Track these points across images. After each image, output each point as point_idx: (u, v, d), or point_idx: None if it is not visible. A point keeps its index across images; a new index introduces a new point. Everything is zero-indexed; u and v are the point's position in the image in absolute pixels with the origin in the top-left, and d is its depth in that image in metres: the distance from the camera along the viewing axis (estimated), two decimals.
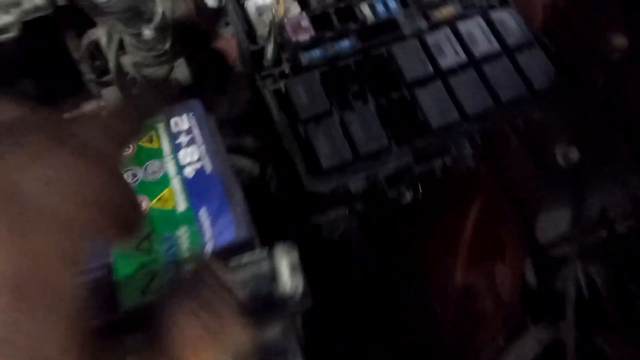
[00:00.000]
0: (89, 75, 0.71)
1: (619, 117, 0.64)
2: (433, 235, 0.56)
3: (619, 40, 0.59)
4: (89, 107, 0.70)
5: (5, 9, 0.44)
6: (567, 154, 0.54)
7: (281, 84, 0.47)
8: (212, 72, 0.61)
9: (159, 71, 0.56)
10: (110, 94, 0.67)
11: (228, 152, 0.53)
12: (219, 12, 0.58)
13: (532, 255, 0.64)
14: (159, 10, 0.45)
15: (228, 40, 0.61)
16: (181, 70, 0.56)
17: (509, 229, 0.58)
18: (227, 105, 0.60)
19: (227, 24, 0.59)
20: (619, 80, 0.61)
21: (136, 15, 0.44)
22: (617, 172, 0.67)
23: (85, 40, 0.67)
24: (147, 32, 0.47)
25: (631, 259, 0.68)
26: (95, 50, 0.68)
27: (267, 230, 0.40)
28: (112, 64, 0.60)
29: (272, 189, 0.59)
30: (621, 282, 0.66)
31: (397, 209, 0.48)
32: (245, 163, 0.59)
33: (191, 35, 0.61)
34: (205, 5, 0.57)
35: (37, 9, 0.42)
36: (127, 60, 0.58)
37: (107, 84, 0.69)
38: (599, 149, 0.62)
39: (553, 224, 0.66)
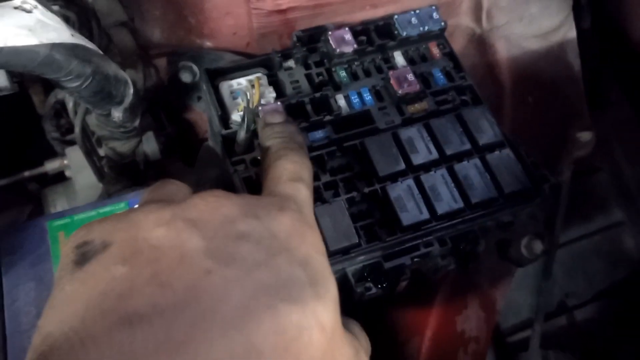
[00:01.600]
0: (52, 134, 0.69)
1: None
2: (395, 327, 0.55)
3: (586, 136, 0.61)
4: (52, 165, 0.68)
5: None
6: (530, 246, 0.55)
7: (252, 172, 0.46)
8: (181, 145, 0.60)
9: (126, 144, 0.54)
10: (75, 153, 0.65)
11: None
12: (191, 87, 0.58)
13: (493, 342, 0.64)
14: (130, 92, 0.44)
15: (199, 114, 0.60)
16: (149, 144, 0.55)
17: (472, 318, 0.58)
18: (195, 179, 0.59)
19: (199, 98, 0.59)
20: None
21: (106, 98, 0.43)
22: (577, 263, 0.68)
23: (52, 99, 0.65)
24: (117, 114, 0.45)
25: (589, 344, 0.68)
26: (61, 108, 0.66)
27: None
28: (77, 130, 0.58)
29: None
30: None
31: (362, 302, 0.47)
32: None
33: (161, 107, 0.60)
34: (179, 79, 0.57)
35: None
36: (92, 122, 0.56)
37: (71, 143, 0.67)
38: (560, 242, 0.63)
39: (515, 311, 0.67)
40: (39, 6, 0.38)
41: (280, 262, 0.26)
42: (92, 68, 0.40)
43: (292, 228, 0.28)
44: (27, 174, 0.69)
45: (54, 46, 0.37)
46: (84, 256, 0.26)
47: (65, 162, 0.68)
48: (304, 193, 0.32)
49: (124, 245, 0.26)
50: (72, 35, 0.39)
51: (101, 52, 0.41)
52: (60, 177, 0.68)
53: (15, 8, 0.37)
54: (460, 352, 0.57)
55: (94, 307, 0.24)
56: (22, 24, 0.36)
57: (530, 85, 0.61)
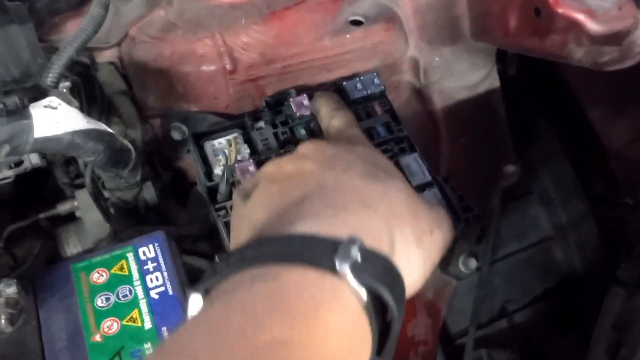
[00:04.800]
0: (63, 179, 0.80)
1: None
2: None
3: (511, 169, 0.73)
4: (63, 207, 0.78)
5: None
6: (467, 263, 0.66)
7: None
8: (174, 188, 0.72)
9: (129, 193, 0.66)
10: (83, 196, 0.75)
11: (186, 255, 0.63)
12: (182, 142, 0.69)
13: (443, 344, 0.76)
14: (133, 156, 0.56)
15: (189, 162, 0.72)
16: (148, 192, 0.67)
17: (420, 325, 0.69)
18: (187, 217, 0.70)
19: (188, 150, 0.70)
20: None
21: (114, 165, 0.54)
22: (514, 273, 0.80)
23: None
24: (123, 175, 0.57)
25: (526, 343, 0.81)
26: (70, 158, 0.77)
27: None
28: (88, 181, 0.69)
29: None
30: None
31: None
32: (201, 264, 0.69)
33: (157, 158, 0.72)
34: (171, 136, 0.69)
35: (33, 166, 0.53)
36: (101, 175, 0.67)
37: (79, 186, 0.78)
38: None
39: (462, 317, 0.78)
40: (62, 103, 0.49)
41: (361, 164, 0.45)
42: (104, 145, 0.51)
43: (361, 149, 0.48)
44: (41, 215, 0.80)
45: (75, 133, 0.49)
46: (246, 195, 0.45)
47: (75, 203, 0.78)
48: (357, 131, 0.54)
49: (269, 180, 0.44)
50: (88, 122, 0.51)
51: (111, 131, 0.53)
52: (70, 217, 0.79)
53: (45, 107, 0.48)
54: (411, 353, 0.68)
55: (271, 208, 0.41)
56: (51, 119, 0.48)
57: (463, 129, 0.73)
